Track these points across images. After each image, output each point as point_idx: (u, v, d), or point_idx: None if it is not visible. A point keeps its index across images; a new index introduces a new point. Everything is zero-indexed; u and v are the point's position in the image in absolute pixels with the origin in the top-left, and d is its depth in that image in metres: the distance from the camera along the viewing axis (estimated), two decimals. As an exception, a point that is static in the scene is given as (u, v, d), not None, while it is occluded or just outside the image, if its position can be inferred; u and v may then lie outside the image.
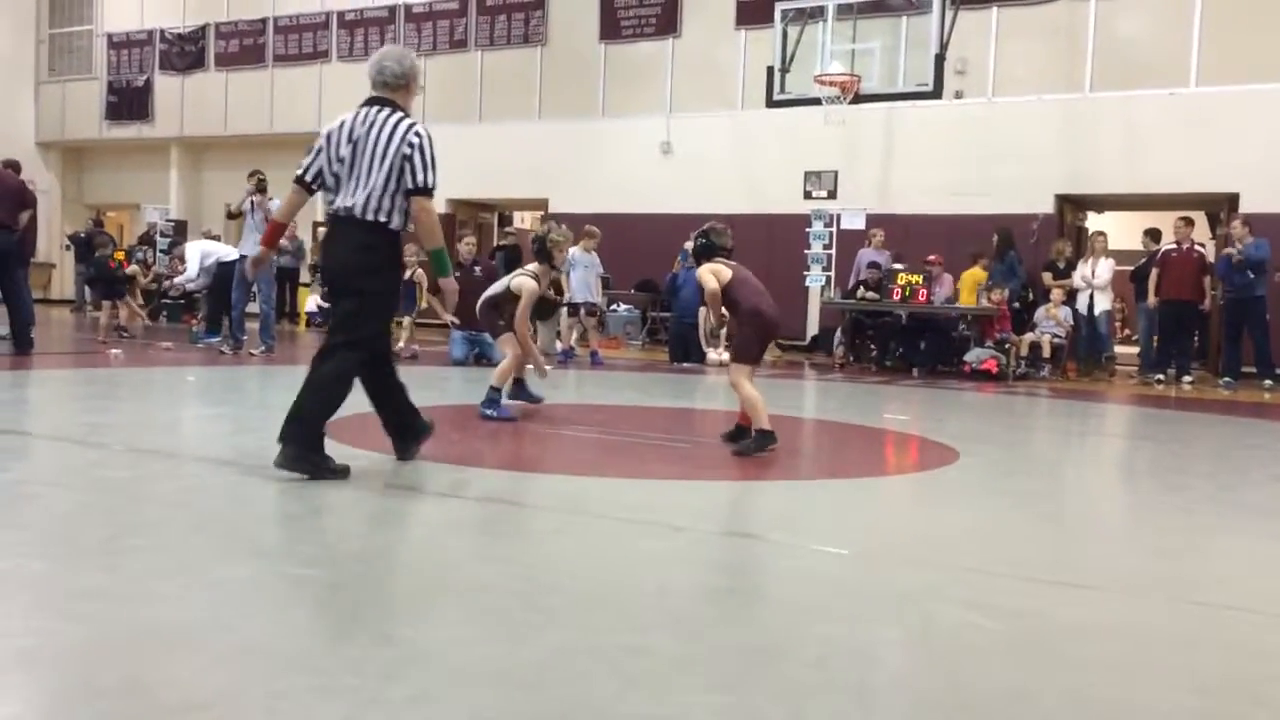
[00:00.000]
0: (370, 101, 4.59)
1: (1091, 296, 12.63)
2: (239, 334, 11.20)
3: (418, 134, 4.47)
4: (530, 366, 7.19)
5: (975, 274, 12.78)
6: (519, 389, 7.26)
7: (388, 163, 4.43)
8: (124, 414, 6.79)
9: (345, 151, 4.50)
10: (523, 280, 6.93)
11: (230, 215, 11.77)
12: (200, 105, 21.81)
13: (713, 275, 5.78)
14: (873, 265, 12.97)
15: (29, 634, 2.52)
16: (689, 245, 13.35)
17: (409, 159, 4.44)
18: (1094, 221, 15.74)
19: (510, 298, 6.95)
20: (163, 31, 22.23)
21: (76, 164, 24.64)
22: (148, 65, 22.54)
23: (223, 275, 12.05)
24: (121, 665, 2.34)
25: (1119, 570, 3.63)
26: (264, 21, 20.94)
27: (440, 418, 7.29)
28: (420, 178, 4.44)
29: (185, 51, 21.97)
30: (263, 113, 20.90)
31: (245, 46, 21.24)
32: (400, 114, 4.54)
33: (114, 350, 10.94)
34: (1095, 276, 12.58)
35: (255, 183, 11.06)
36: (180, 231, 19.54)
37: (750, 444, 5.66)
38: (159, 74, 22.36)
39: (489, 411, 6.72)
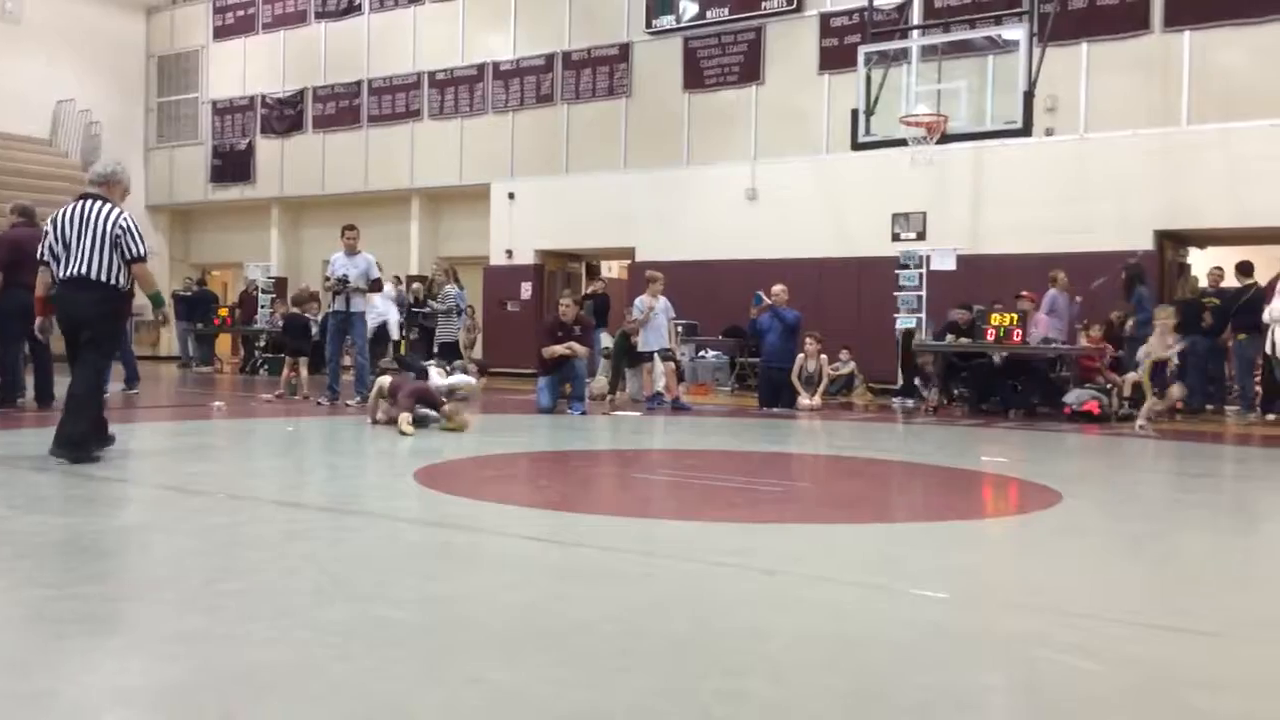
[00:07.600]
0: (83, 196, 6.14)
1: (1274, 333, 10.90)
2: (335, 385, 11.45)
3: (124, 220, 6.05)
4: None
5: None
6: None
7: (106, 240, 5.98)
8: (224, 463, 6.95)
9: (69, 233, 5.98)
10: None
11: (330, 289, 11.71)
12: (299, 166, 22.57)
13: None
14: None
15: (128, 674, 2.56)
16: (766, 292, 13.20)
17: (119, 239, 6.00)
18: (1195, 258, 15.23)
19: None
20: (264, 97, 23.12)
21: (184, 225, 25.66)
22: (249, 129, 23.44)
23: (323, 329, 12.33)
24: (216, 706, 2.35)
25: (1239, 617, 3.43)
26: (359, 84, 21.64)
27: (531, 463, 7.34)
28: (135, 250, 6.05)
29: (284, 115, 22.80)
30: (358, 171, 21.53)
31: (341, 108, 21.96)
32: (109, 204, 6.07)
33: (216, 403, 11.27)
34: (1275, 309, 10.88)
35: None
36: (280, 288, 20.13)
37: None
38: (260, 137, 23.23)
39: None
